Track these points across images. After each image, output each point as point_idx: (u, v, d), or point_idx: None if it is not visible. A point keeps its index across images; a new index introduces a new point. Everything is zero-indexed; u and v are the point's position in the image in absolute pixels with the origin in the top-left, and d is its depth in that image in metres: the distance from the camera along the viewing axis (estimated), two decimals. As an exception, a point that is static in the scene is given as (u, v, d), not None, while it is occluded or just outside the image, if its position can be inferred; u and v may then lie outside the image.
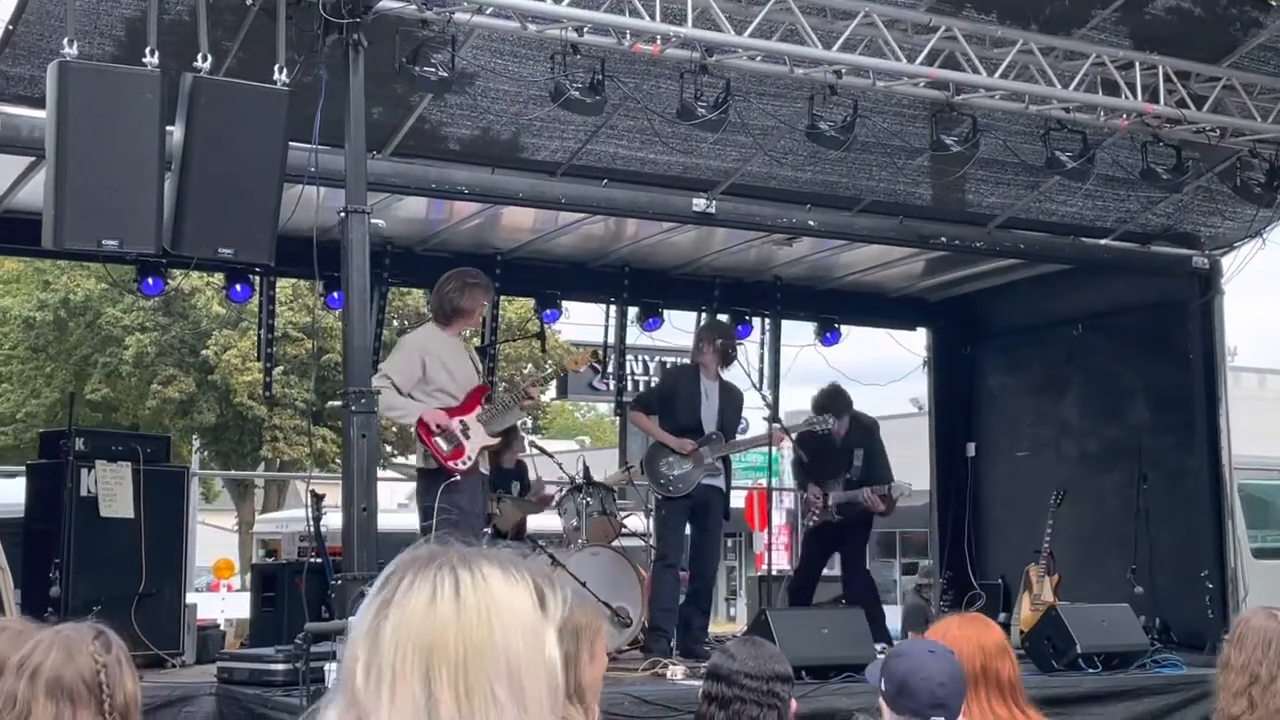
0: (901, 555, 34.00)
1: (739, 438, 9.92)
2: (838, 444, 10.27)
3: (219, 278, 15.43)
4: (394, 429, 27.34)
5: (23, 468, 11.44)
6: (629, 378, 12.66)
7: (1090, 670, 8.63)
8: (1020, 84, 8.32)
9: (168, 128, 6.19)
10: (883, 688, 3.66)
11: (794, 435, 10.12)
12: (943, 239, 10.30)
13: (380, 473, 8.05)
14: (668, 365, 11.41)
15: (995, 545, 12.17)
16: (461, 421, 8.20)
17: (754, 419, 10.97)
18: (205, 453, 28.77)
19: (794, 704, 4.11)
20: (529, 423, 25.41)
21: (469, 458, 8.17)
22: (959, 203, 10.31)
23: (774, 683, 4.04)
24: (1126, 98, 8.52)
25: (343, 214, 6.36)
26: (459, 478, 8.11)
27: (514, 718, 1.69)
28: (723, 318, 12.11)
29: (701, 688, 4.10)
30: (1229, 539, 10.59)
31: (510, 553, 1.81)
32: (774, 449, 10.71)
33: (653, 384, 9.56)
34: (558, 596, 1.78)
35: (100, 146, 6.01)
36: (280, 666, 7.28)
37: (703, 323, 11.12)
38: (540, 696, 1.71)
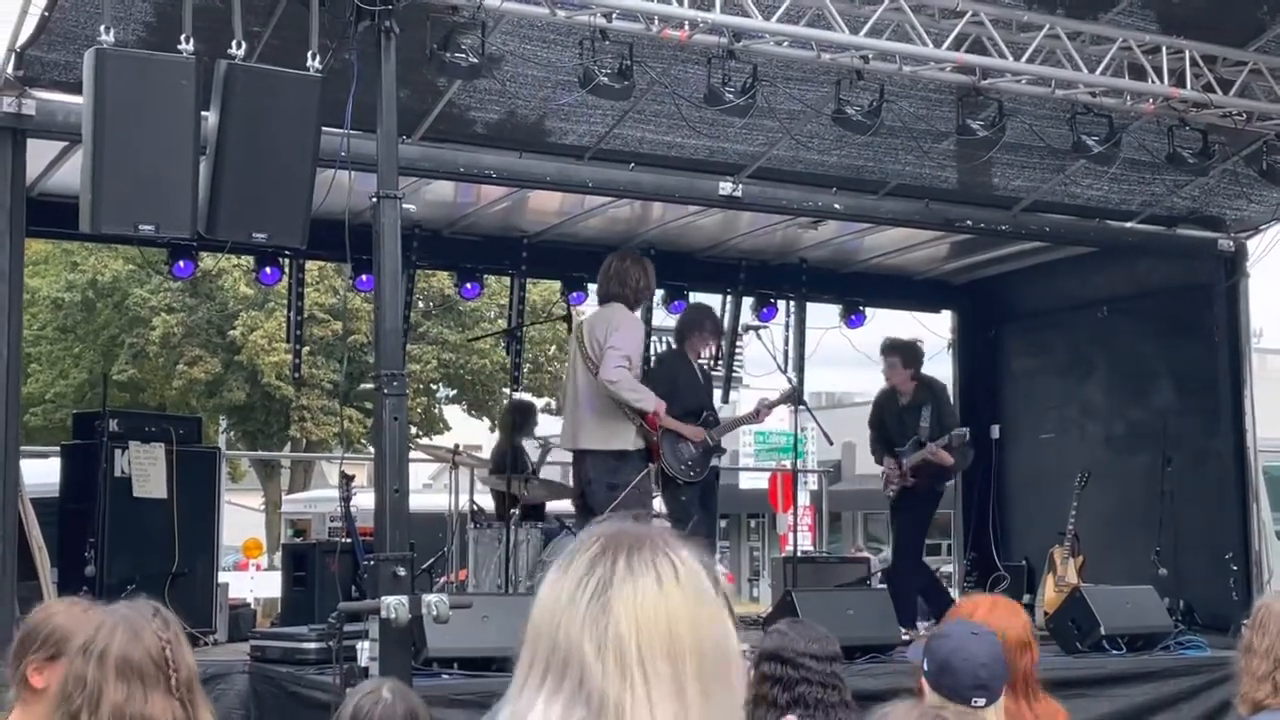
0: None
1: (724, 419, 10.08)
2: (906, 406, 10.32)
3: (246, 259, 15.57)
4: (419, 410, 27.53)
5: (55, 448, 11.59)
6: (652, 359, 12.68)
7: (1114, 652, 8.67)
8: (1047, 69, 8.33)
9: (202, 113, 6.26)
10: (925, 667, 3.72)
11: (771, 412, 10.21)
12: (968, 222, 10.32)
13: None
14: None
15: (1019, 527, 12.21)
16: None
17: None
18: (232, 433, 28.95)
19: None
20: (552, 404, 25.49)
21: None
22: (984, 186, 10.32)
23: (834, 663, 4.10)
24: (1153, 82, 8.52)
25: (375, 199, 6.42)
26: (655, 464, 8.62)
27: (735, 702, 1.65)
28: (747, 300, 12.18)
29: (758, 670, 4.10)
30: (1253, 521, 10.61)
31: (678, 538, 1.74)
32: (797, 432, 10.78)
33: (649, 371, 9.62)
34: (719, 582, 1.73)
35: (136, 132, 6.08)
36: (313, 645, 7.38)
37: (695, 309, 10.93)
38: (735, 691, 1.67)
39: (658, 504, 10.29)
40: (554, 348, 26.19)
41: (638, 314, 8.91)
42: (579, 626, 1.60)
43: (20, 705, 3.21)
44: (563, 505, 11.25)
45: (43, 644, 3.23)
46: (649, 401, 8.52)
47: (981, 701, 3.69)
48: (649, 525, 1.71)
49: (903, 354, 10.32)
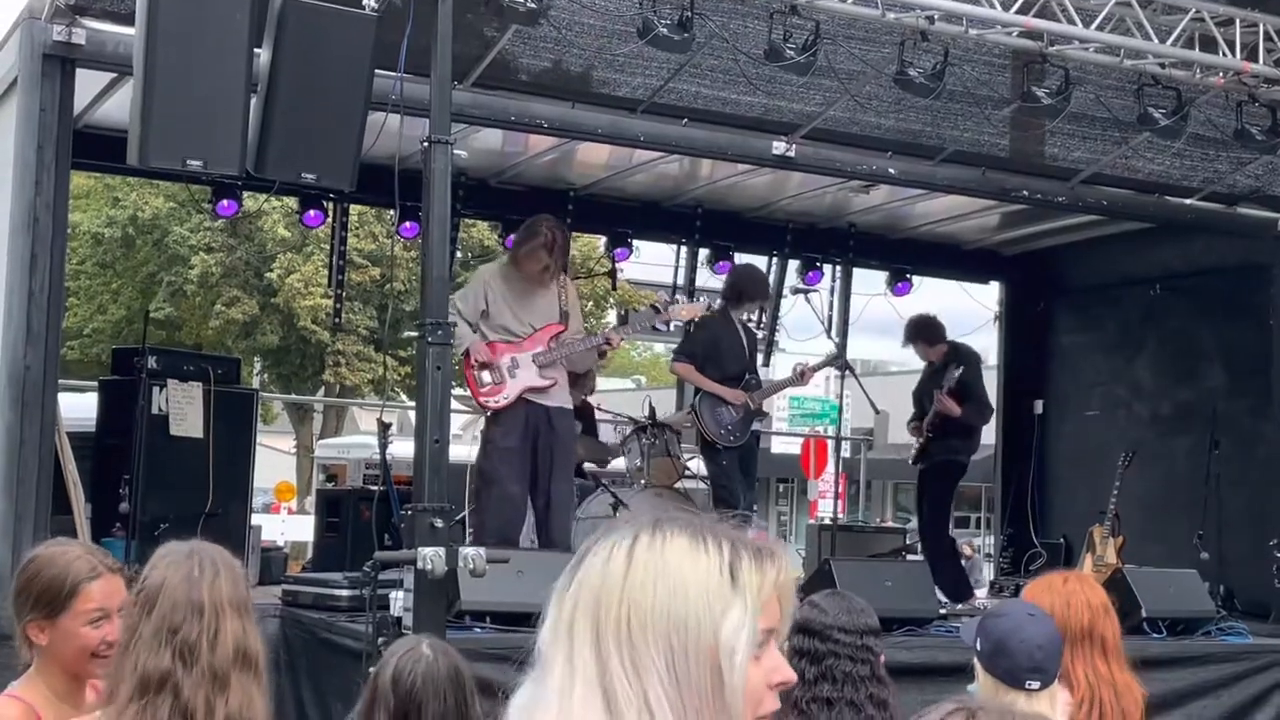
0: (954, 508, 33.94)
1: (765, 383, 9.99)
2: (934, 371, 10.27)
3: (287, 201, 15.50)
4: (455, 361, 27.51)
5: (92, 382, 11.56)
6: (693, 321, 12.57)
7: (1155, 635, 8.54)
8: (1116, 37, 8.12)
9: (255, 49, 6.15)
10: (978, 647, 3.60)
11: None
12: (1024, 192, 10.12)
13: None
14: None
15: (1059, 504, 12.06)
16: (512, 358, 8.19)
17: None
18: (266, 375, 29.03)
19: (882, 656, 4.06)
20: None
21: (506, 395, 8.17)
22: (1042, 156, 10.12)
23: (867, 636, 3.99)
24: (1224, 55, 8.31)
25: (426, 144, 6.30)
26: (491, 413, 8.23)
27: (671, 696, 1.57)
28: (793, 263, 12.03)
29: (789, 643, 4.03)
30: (1300, 508, 10.44)
31: (726, 523, 1.67)
32: (841, 399, 10.66)
33: (691, 332, 9.43)
34: (761, 571, 1.62)
35: (188, 66, 5.97)
36: (345, 592, 7.33)
37: (745, 269, 10.77)
38: (700, 678, 1.57)
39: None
40: (591, 304, 26.08)
41: (520, 268, 8.58)
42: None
43: (34, 666, 3.09)
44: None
45: (38, 601, 3.07)
46: (461, 344, 8.01)
47: (1036, 684, 3.58)
48: (675, 510, 1.69)
49: (922, 336, 10.25)
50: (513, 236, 8.57)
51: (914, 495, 10.89)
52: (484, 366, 8.16)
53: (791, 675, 1.67)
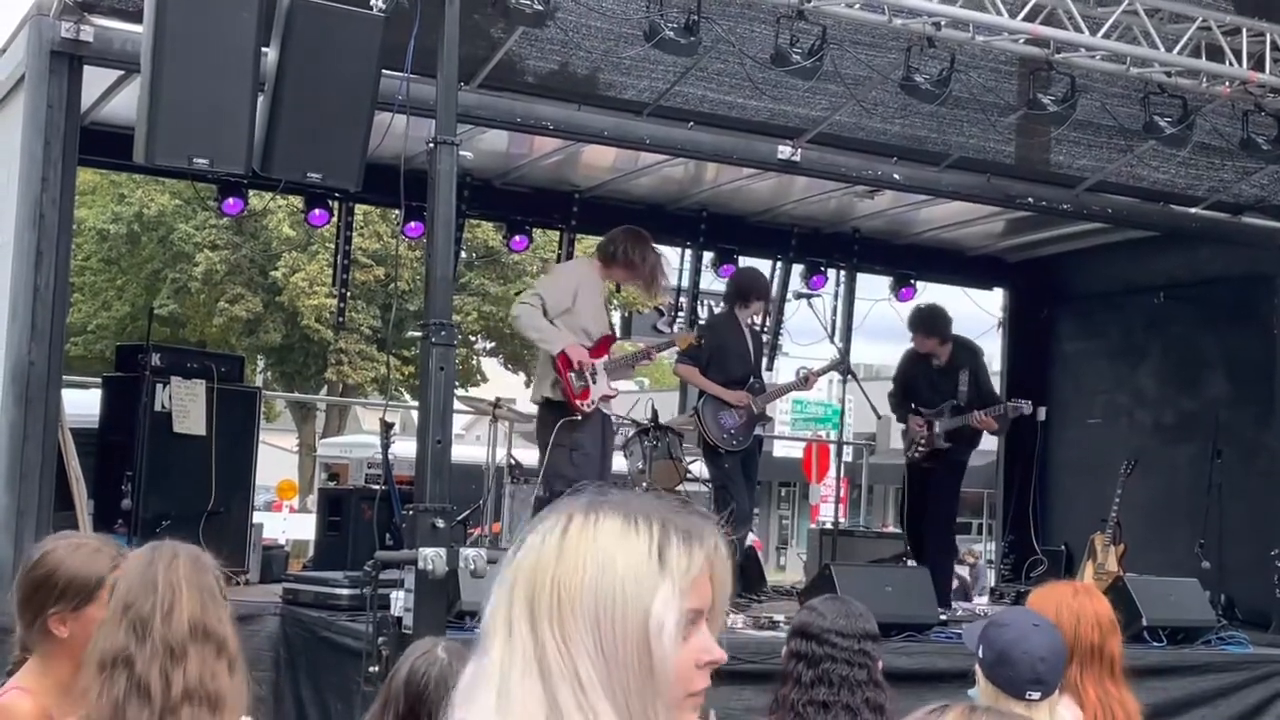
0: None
1: (769, 386, 9.98)
2: (942, 369, 10.14)
3: (292, 200, 15.51)
4: (458, 361, 27.52)
5: (96, 379, 11.58)
6: (699, 323, 12.58)
7: (1155, 644, 8.54)
8: (1123, 45, 8.13)
9: (262, 49, 6.16)
10: (980, 654, 3.60)
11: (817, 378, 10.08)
12: (1029, 199, 10.12)
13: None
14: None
15: (1060, 511, 12.06)
16: (594, 364, 8.25)
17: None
18: (269, 373, 29.04)
19: (880, 661, 4.07)
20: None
21: (592, 401, 8.25)
22: (1047, 163, 10.12)
23: (864, 641, 3.99)
24: (1231, 64, 8.31)
25: (432, 145, 6.31)
26: (580, 417, 8.19)
27: (600, 673, 1.62)
28: (797, 268, 12.03)
29: (788, 646, 4.04)
30: (1303, 518, 10.43)
31: (661, 503, 1.70)
32: (844, 403, 10.65)
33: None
34: (689, 552, 1.65)
35: (195, 65, 5.99)
36: (346, 591, 7.34)
37: (749, 272, 10.69)
38: (628, 656, 1.62)
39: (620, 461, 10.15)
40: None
41: (583, 266, 8.58)
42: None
43: (40, 659, 3.09)
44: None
45: (64, 593, 3.08)
46: (555, 343, 8.13)
47: (1037, 695, 3.58)
48: (611, 491, 1.72)
49: (925, 326, 10.16)
50: (618, 242, 8.47)
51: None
52: (578, 369, 8.18)
53: (721, 655, 1.69)
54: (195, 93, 5.98)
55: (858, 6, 7.66)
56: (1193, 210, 10.59)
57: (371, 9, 6.31)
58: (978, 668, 3.66)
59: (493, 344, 30.22)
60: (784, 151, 9.07)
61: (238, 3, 6.05)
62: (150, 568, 2.83)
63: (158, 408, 8.99)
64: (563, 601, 1.63)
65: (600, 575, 1.63)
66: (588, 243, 19.39)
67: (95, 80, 7.95)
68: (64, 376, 7.82)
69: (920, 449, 10.11)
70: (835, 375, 11.25)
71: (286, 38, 6.11)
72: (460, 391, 25.87)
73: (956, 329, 10.48)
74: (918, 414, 10.12)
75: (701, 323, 12.24)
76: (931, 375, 10.15)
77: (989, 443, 12.40)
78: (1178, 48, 8.20)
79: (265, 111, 6.14)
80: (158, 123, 5.94)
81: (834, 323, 12.07)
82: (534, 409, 8.73)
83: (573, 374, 8.15)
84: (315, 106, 6.19)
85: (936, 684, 7.13)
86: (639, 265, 8.51)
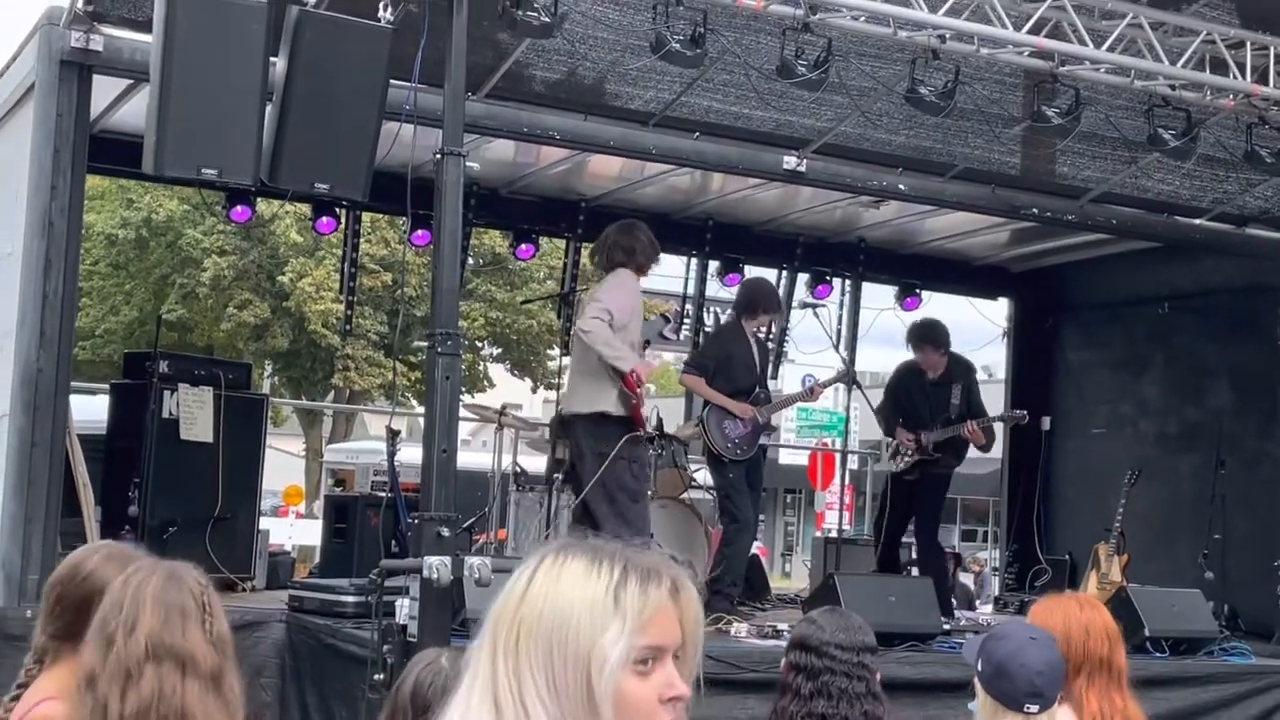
0: (961, 522, 33.92)
1: (775, 396, 10.01)
2: (935, 382, 10.19)
3: (300, 206, 15.54)
4: (464, 367, 27.56)
5: (104, 385, 11.63)
6: (704, 332, 12.61)
7: (1157, 654, 8.55)
8: (1127, 58, 8.15)
9: (271, 59, 6.20)
10: (979, 668, 3.63)
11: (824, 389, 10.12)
12: (1034, 210, 10.16)
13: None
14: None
15: (1064, 521, 12.07)
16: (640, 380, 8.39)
17: (826, 376, 10.97)
18: (276, 378, 29.09)
19: (878, 673, 4.09)
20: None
21: (645, 415, 8.46)
22: (1052, 174, 10.16)
23: (863, 654, 4.02)
24: (1235, 78, 8.34)
25: (439, 156, 6.35)
26: (641, 432, 8.35)
27: (551, 706, 1.72)
28: (802, 276, 12.06)
29: (787, 658, 4.07)
30: (1305, 529, 10.44)
31: (632, 548, 1.81)
32: (849, 412, 10.68)
33: (700, 344, 9.46)
34: (644, 592, 1.75)
35: (204, 75, 6.03)
36: (352, 599, 7.35)
37: (758, 283, 10.66)
38: (576, 690, 1.72)
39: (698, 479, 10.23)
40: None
41: (641, 281, 8.69)
42: None
43: (68, 668, 3.13)
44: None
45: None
46: (627, 360, 8.15)
47: (1035, 708, 3.60)
48: (596, 539, 1.84)
49: (930, 338, 10.21)
50: (628, 242, 8.44)
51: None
52: (640, 388, 8.33)
53: (685, 690, 1.78)
54: (204, 103, 6.03)
55: (863, 19, 7.69)
56: (1197, 221, 10.62)
57: (379, 21, 6.36)
58: (976, 681, 3.69)
59: (499, 349, 30.26)
60: (789, 162, 9.11)
61: (247, 14, 6.10)
62: (124, 587, 2.85)
63: (165, 415, 9.04)
64: (520, 638, 1.75)
65: (555, 614, 1.75)
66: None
67: (105, 88, 8.00)
68: (72, 383, 7.85)
69: (906, 459, 10.19)
70: (842, 384, 11.27)
71: (295, 49, 6.16)
72: (466, 398, 25.92)
73: (961, 338, 10.54)
74: (906, 427, 10.19)
75: (708, 330, 12.30)
76: (925, 388, 10.18)
77: (994, 451, 12.45)
78: (1182, 61, 8.22)
79: (273, 122, 6.19)
80: (166, 133, 5.98)
81: (839, 331, 12.09)
82: (540, 415, 8.78)
83: (638, 391, 8.26)
84: (323, 118, 6.23)
85: (939, 694, 7.16)
86: (650, 251, 8.54)
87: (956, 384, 10.15)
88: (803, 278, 12.07)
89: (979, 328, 13.03)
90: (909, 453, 10.09)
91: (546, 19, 7.09)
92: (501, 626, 1.77)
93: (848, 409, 10.37)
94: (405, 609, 6.35)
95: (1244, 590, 10.22)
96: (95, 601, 3.06)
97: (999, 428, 10.62)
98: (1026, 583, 11.50)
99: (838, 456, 15.99)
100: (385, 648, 6.05)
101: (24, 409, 6.99)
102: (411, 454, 9.81)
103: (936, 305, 12.36)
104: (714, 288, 11.89)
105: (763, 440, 9.59)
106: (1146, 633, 8.56)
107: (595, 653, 1.72)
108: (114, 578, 3.08)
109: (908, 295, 12.26)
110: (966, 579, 17.73)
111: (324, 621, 7.39)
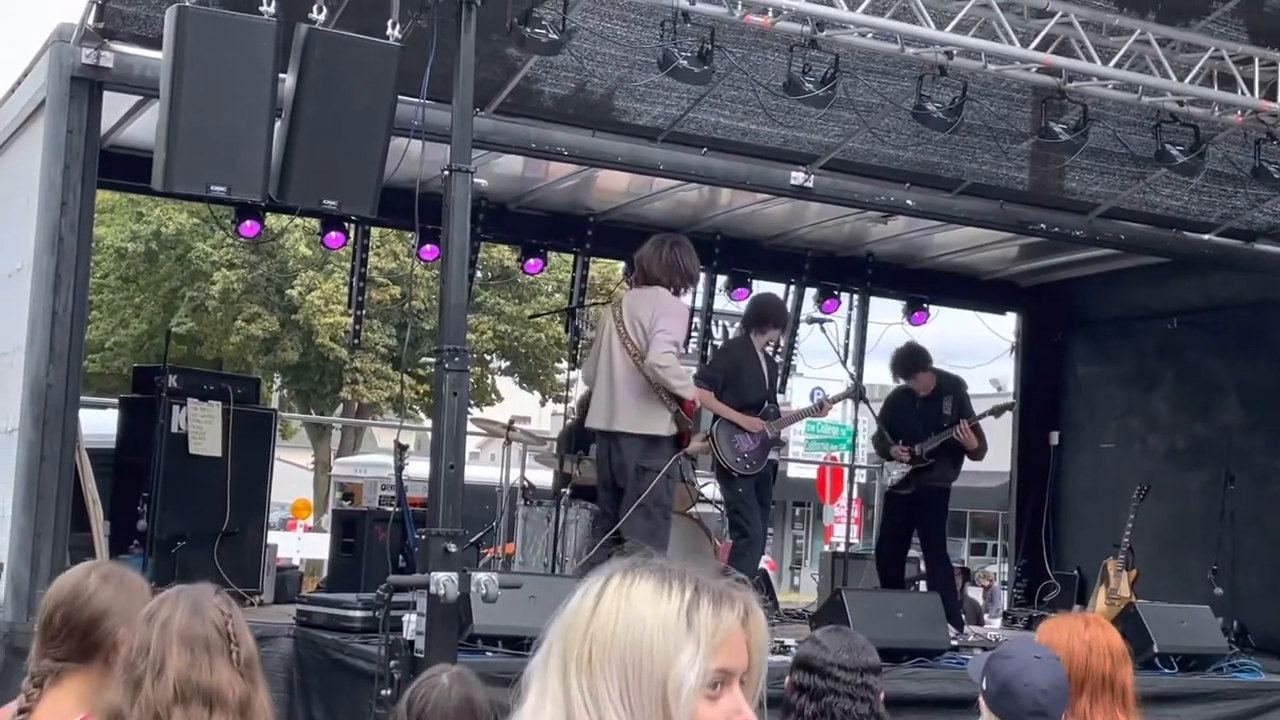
0: (971, 535, 33.86)
1: (784, 411, 10.00)
2: (926, 398, 10.23)
3: (310, 221, 15.58)
4: (473, 381, 27.58)
5: (113, 400, 11.65)
6: (712, 345, 12.62)
7: (1166, 671, 8.52)
8: (1135, 74, 8.15)
9: (280, 76, 6.22)
10: (984, 686, 3.63)
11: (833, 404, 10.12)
12: (1042, 226, 10.16)
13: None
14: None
15: (1073, 536, 12.06)
16: None
17: (834, 390, 10.99)
18: (285, 391, 29.14)
19: (883, 694, 4.09)
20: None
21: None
22: (1060, 190, 10.16)
23: (867, 674, 4.01)
24: (1243, 93, 8.33)
25: (447, 172, 6.36)
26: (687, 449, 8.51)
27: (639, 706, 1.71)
28: (810, 291, 12.07)
29: (790, 678, 4.06)
30: (1315, 546, 10.43)
31: (699, 569, 1.81)
32: (857, 426, 10.67)
33: (709, 358, 9.49)
34: (717, 615, 1.75)
35: (213, 92, 6.05)
36: (359, 614, 7.35)
37: (768, 298, 10.62)
38: (652, 709, 1.72)
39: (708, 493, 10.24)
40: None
41: (684, 299, 8.74)
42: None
43: (66, 684, 3.14)
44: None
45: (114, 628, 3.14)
46: (690, 390, 8.34)
47: (1039, 726, 3.61)
48: (657, 557, 1.84)
49: (920, 365, 10.29)
50: (674, 261, 8.38)
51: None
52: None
53: (751, 715, 1.78)
54: (213, 120, 6.04)
55: (870, 36, 7.69)
56: (1205, 237, 10.62)
57: (388, 39, 6.37)
58: (981, 699, 3.69)
59: (508, 362, 30.29)
60: (797, 177, 9.12)
61: (256, 32, 6.12)
62: (149, 626, 2.87)
63: (174, 429, 9.05)
64: (594, 656, 1.74)
65: (629, 633, 1.74)
66: (601, 264, 19.43)
67: (115, 104, 8.03)
68: (81, 397, 7.87)
69: (902, 470, 10.22)
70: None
71: (303, 66, 6.17)
72: (474, 411, 25.94)
73: (970, 353, 10.58)
74: (896, 443, 10.24)
75: (716, 344, 12.30)
76: (917, 404, 10.24)
77: (1002, 464, 12.44)
78: (1189, 77, 8.22)
79: (282, 139, 6.19)
80: (176, 150, 5.99)
81: (847, 346, 12.10)
82: (548, 429, 8.80)
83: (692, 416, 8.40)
84: (331, 135, 6.25)
85: (947, 710, 7.15)
86: (693, 271, 8.59)
87: (947, 396, 10.22)
88: (811, 292, 12.08)
89: (988, 342, 13.05)
90: (906, 460, 10.15)
91: (555, 35, 7.12)
92: (572, 644, 1.76)
93: (855, 423, 10.36)
94: (412, 624, 6.35)
95: (1253, 606, 10.20)
96: (99, 623, 3.07)
97: (996, 433, 10.61)
98: (1035, 598, 11.48)
99: (846, 470, 15.93)
100: (392, 663, 6.05)
101: (33, 424, 7.01)
102: (420, 467, 9.83)
103: (945, 320, 12.39)
104: (722, 302, 11.91)
105: (772, 455, 9.59)
106: (1155, 649, 8.54)
107: (672, 675, 1.72)
108: (114, 599, 3.10)
109: (916, 310, 12.27)
110: (975, 593, 17.71)
111: (331, 636, 7.40)
